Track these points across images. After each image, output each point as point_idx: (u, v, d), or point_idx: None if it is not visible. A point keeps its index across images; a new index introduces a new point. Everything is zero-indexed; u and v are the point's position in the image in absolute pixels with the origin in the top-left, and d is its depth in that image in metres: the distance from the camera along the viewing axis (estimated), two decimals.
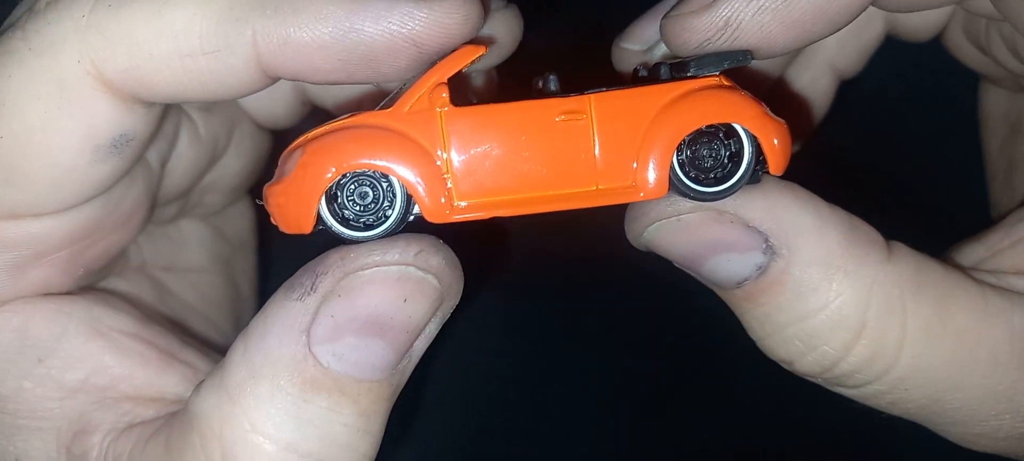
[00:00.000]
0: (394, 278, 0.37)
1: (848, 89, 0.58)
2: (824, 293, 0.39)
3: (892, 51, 0.57)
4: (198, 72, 0.37)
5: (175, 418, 0.40)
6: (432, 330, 0.39)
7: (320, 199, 0.38)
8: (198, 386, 0.39)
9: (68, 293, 0.44)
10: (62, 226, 0.41)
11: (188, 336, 0.48)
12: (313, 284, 0.37)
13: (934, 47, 0.56)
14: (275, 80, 0.39)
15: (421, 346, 0.39)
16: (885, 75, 0.58)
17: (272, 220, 0.39)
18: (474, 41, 0.39)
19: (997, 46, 0.50)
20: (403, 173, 0.38)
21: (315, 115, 0.55)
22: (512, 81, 0.51)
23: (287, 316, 0.37)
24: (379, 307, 0.37)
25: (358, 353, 0.37)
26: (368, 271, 0.37)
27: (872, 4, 0.39)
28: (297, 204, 0.38)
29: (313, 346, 0.36)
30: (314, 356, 0.36)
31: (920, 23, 0.54)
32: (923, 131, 0.67)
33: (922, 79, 0.61)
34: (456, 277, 0.39)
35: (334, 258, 0.37)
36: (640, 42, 0.51)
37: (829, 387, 0.42)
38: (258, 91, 0.39)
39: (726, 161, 0.39)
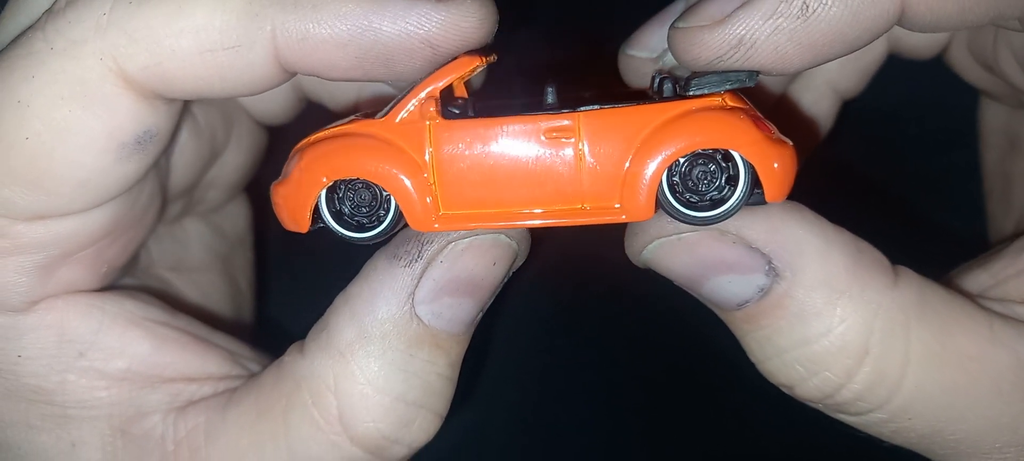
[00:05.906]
0: (489, 244, 0.40)
1: (852, 103, 0.57)
2: (828, 318, 0.38)
3: (897, 63, 0.56)
4: (218, 67, 0.38)
5: (254, 385, 0.43)
6: (500, 287, 0.42)
7: (313, 204, 0.39)
8: (296, 350, 0.42)
9: (97, 291, 0.44)
10: (88, 225, 0.41)
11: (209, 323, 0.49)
12: (419, 252, 0.40)
13: (939, 60, 0.55)
14: (292, 75, 0.39)
15: (490, 301, 0.42)
16: (890, 88, 0.56)
17: (277, 216, 0.41)
18: (471, 52, 0.39)
19: (1006, 60, 0.49)
20: (390, 182, 0.39)
21: (312, 111, 0.55)
22: (514, 90, 0.50)
23: (395, 281, 0.40)
24: (474, 270, 0.40)
25: (452, 310, 0.40)
26: (467, 239, 0.40)
27: (898, 25, 0.37)
28: (294, 205, 0.40)
29: (416, 306, 0.40)
30: (417, 315, 0.40)
31: (924, 41, 0.53)
32: (928, 144, 0.66)
33: (927, 91, 0.60)
34: (527, 241, 0.42)
35: None
36: (648, 49, 0.49)
37: (830, 413, 0.41)
38: (276, 86, 0.40)
39: (723, 184, 0.38)
